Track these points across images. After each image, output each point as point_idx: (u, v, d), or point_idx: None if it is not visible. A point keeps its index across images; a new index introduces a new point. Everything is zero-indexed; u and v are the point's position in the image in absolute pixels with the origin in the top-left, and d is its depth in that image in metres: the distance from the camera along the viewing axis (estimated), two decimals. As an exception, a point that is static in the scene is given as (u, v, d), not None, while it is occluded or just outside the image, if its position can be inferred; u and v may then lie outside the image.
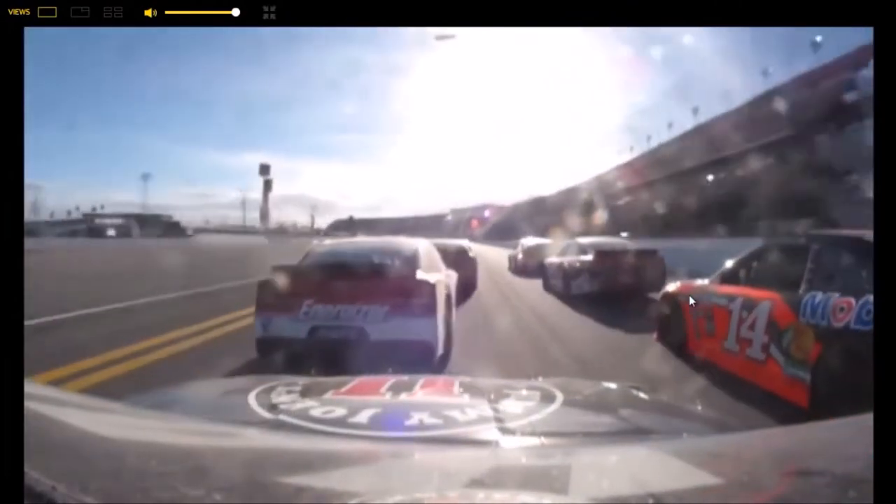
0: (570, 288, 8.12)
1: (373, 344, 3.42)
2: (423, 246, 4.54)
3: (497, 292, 9.71)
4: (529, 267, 12.56)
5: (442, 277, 4.22)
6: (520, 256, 14.10)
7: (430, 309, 3.59)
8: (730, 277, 3.93)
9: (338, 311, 3.52)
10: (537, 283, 10.35)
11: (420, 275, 3.80)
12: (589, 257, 7.91)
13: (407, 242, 4.69)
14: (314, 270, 3.88)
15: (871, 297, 2.58)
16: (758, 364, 3.22)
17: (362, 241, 4.97)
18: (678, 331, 4.36)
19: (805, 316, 2.90)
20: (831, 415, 1.95)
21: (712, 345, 3.78)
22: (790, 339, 2.99)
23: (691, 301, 4.21)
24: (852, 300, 2.63)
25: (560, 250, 9.68)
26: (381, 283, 3.60)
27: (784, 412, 2.89)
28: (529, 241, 14.71)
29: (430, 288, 3.67)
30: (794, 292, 3.05)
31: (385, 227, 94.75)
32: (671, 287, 4.85)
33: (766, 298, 3.28)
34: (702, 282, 4.31)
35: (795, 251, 3.34)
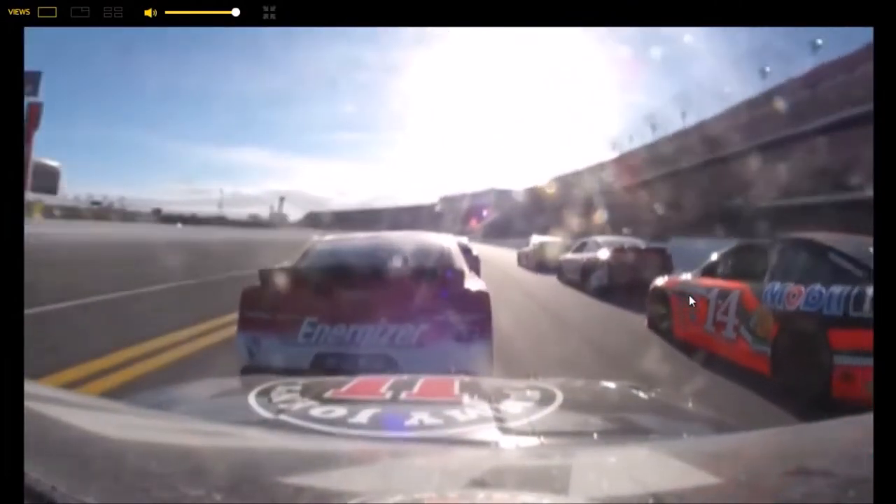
0: (588, 281, 9.23)
1: None
2: (452, 243, 3.60)
3: (518, 291, 10.01)
4: (540, 263, 13.56)
5: (485, 285, 3.18)
6: (531, 254, 15.14)
7: (485, 328, 2.63)
8: (708, 272, 4.55)
9: (353, 332, 2.57)
10: (551, 279, 11.39)
11: (470, 283, 2.83)
12: (606, 254, 8.96)
13: (435, 238, 3.70)
14: (317, 275, 2.87)
15: (816, 286, 3.17)
16: (730, 343, 3.85)
17: (376, 236, 3.82)
18: (666, 319, 5.00)
19: (766, 302, 3.54)
20: (786, 379, 2.47)
21: (694, 329, 4.42)
22: (755, 321, 3.62)
23: (676, 293, 4.86)
24: (802, 288, 3.26)
25: (576, 247, 10.87)
26: (413, 294, 2.61)
27: (784, 412, 2.93)
28: (539, 239, 15.81)
29: (484, 299, 2.72)
30: (759, 283, 3.68)
31: (354, 221, 79.16)
32: (659, 281, 5.45)
33: (737, 288, 3.92)
34: (685, 276, 4.93)
35: (762, 249, 3.97)
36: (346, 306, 2.62)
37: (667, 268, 8.01)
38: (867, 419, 0.53)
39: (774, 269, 3.65)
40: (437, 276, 2.79)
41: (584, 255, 9.97)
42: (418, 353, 2.53)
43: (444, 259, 3.20)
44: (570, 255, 10.84)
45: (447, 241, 3.59)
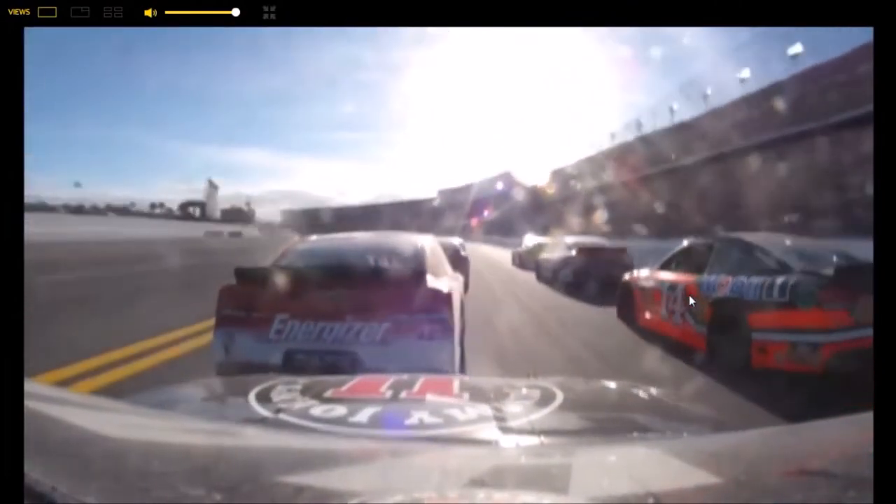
0: (557, 277, 10.28)
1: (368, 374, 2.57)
2: (428, 243, 3.74)
3: (508, 289, 10.94)
4: (530, 262, 14.43)
5: (455, 284, 3.33)
6: (523, 253, 16.15)
7: (446, 327, 2.75)
8: (663, 267, 5.30)
9: (320, 329, 2.68)
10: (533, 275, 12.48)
11: (432, 281, 2.95)
12: (573, 253, 10.08)
13: (409, 239, 3.82)
14: (289, 275, 2.93)
15: (741, 277, 3.87)
16: (679, 326, 4.59)
17: (352, 237, 4.01)
18: (630, 308, 5.74)
19: (703, 290, 4.25)
20: (717, 353, 3.82)
21: (652, 316, 5.17)
22: (696, 307, 4.31)
23: (638, 286, 5.62)
24: (729, 278, 3.97)
25: (551, 248, 12.02)
26: (378, 293, 2.75)
27: (784, 411, 2.94)
28: (530, 239, 16.85)
29: (445, 299, 2.84)
30: (700, 275, 4.40)
31: (349, 220, 69.26)
32: (626, 276, 6.16)
33: (683, 281, 4.64)
34: (646, 272, 5.66)
35: (705, 247, 4.71)
36: (316, 304, 2.72)
37: (627, 263, 8.67)
38: (867, 419, 0.53)
39: (711, 264, 4.40)
40: (402, 276, 2.90)
41: (554, 255, 11.03)
42: (382, 350, 2.62)
43: (411, 260, 3.28)
44: (544, 255, 12.00)
45: (421, 242, 3.67)
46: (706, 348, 4.08)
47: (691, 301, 4.38)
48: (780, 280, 3.48)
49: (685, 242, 5.33)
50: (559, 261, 10.46)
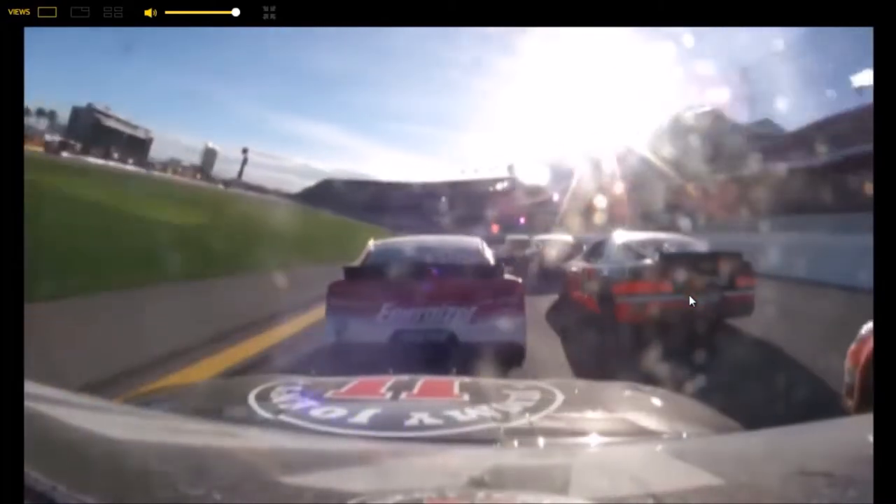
0: (526, 269, 11.72)
1: (461, 347, 3.27)
2: (483, 244, 4.42)
3: None
4: (509, 258, 15.55)
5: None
6: (503, 252, 16.69)
7: (520, 309, 3.50)
8: (583, 258, 7.17)
9: (421, 313, 3.35)
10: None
11: (507, 274, 3.71)
12: (536, 249, 12.17)
13: (470, 240, 4.56)
14: (389, 270, 3.60)
15: (613, 263, 5.68)
16: (587, 298, 6.33)
17: (424, 238, 4.68)
18: (566, 289, 7.68)
19: (596, 273, 6.05)
20: (602, 311, 6.18)
21: (576, 293, 6.99)
22: (592, 284, 6.12)
23: (569, 271, 7.59)
24: (608, 264, 5.82)
25: (522, 245, 14.09)
26: (466, 284, 3.47)
27: (786, 411, 2.95)
28: (512, 237, 18.17)
29: (520, 287, 3.61)
30: (596, 263, 6.29)
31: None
32: (566, 265, 8.12)
33: (587, 267, 6.56)
34: (575, 261, 7.60)
35: (601, 243, 6.55)
36: (416, 293, 3.39)
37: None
38: (867, 419, 0.54)
39: (602, 255, 6.25)
40: (483, 269, 3.71)
41: (526, 252, 12.91)
42: (472, 328, 3.33)
43: (484, 257, 4.06)
44: (517, 252, 13.90)
45: (479, 242, 4.44)
46: (598, 311, 5.92)
47: (591, 280, 6.27)
48: (629, 264, 5.39)
49: (599, 238, 7.12)
50: (529, 255, 12.45)
